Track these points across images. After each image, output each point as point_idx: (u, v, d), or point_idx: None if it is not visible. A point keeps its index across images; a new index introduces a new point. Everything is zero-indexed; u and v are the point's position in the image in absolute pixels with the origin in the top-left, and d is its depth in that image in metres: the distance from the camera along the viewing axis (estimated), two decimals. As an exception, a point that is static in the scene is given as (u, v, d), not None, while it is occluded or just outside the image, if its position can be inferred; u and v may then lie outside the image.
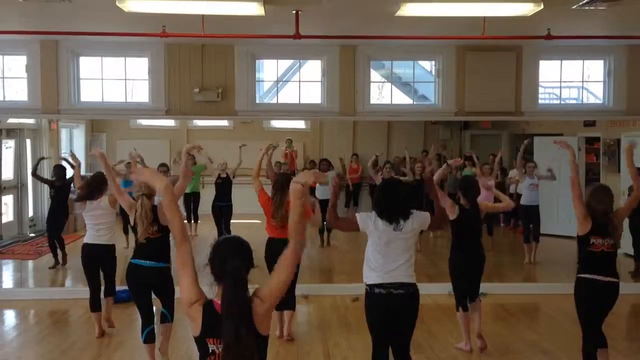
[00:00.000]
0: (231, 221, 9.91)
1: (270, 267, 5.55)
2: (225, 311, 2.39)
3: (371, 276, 4.01)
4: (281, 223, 5.57)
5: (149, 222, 4.90)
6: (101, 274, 6.17)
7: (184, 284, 2.52)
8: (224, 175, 9.87)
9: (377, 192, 4.17)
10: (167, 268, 5.05)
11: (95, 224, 5.99)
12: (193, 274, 2.52)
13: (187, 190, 10.09)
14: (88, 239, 6.05)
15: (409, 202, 4.10)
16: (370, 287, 4.00)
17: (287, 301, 5.71)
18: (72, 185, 8.92)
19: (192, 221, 10.87)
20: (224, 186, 9.83)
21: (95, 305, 6.07)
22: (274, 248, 5.60)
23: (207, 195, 10.37)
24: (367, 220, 4.04)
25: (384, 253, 3.98)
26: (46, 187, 10.87)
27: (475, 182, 5.80)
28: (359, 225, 4.05)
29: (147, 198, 4.92)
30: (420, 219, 4.09)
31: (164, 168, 9.46)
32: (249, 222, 9.92)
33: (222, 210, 9.81)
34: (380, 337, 4.07)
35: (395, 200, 4.02)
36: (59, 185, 8.80)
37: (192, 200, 10.61)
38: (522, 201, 9.37)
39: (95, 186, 6.00)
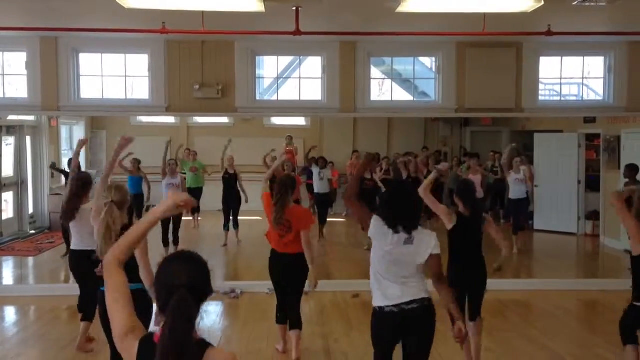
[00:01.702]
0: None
1: (277, 284, 5.31)
2: (160, 352, 1.90)
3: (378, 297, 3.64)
4: (282, 233, 5.09)
5: (115, 239, 3.81)
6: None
7: (115, 311, 2.06)
8: (231, 171, 10.13)
9: (386, 198, 3.78)
10: (143, 290, 3.97)
11: (78, 230, 5.48)
12: (126, 299, 2.08)
13: (192, 185, 10.34)
14: (73, 244, 5.61)
15: (420, 209, 3.74)
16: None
17: (292, 319, 5.35)
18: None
19: (195, 213, 11.03)
20: (230, 181, 10.12)
21: (84, 314, 5.52)
22: (278, 262, 5.22)
23: (212, 191, 10.50)
24: (380, 227, 3.63)
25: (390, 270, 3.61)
26: (46, 184, 10.89)
27: (472, 186, 5.15)
28: (370, 225, 3.64)
29: (117, 208, 3.99)
30: (427, 242, 3.60)
31: (172, 160, 9.67)
32: (250, 219, 10.02)
33: (230, 204, 10.11)
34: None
35: (406, 208, 3.62)
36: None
37: (194, 194, 10.72)
38: (510, 195, 9.90)
39: (76, 192, 5.42)
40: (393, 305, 3.55)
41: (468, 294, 4.93)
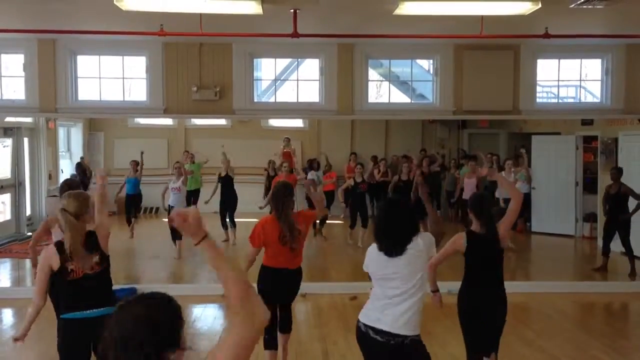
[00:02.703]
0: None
1: (276, 301, 4.72)
2: None
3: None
4: (294, 246, 4.68)
5: (82, 250, 3.61)
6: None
7: None
8: (223, 174, 10.39)
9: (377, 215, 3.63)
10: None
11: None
12: None
13: (189, 188, 10.52)
14: None
15: (410, 225, 3.46)
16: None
17: (286, 321, 4.98)
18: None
19: None
20: (226, 181, 10.38)
21: None
22: (286, 280, 4.80)
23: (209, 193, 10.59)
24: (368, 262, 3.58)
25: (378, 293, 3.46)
26: (44, 187, 10.89)
27: (489, 199, 4.78)
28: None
29: (72, 216, 3.62)
30: (426, 242, 3.44)
31: (178, 164, 9.93)
32: (247, 221, 10.02)
33: (226, 203, 10.37)
34: None
35: (393, 227, 3.45)
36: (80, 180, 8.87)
37: (192, 196, 10.89)
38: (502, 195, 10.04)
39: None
40: (381, 332, 3.37)
41: (484, 322, 4.37)
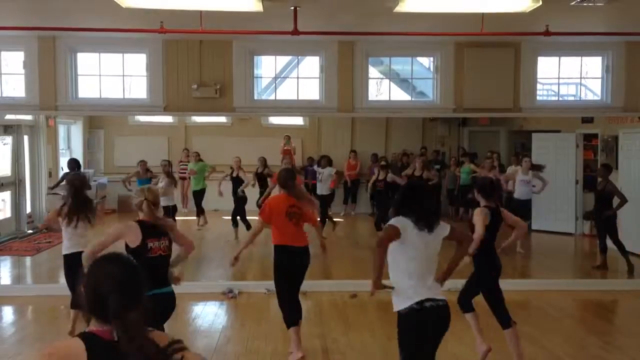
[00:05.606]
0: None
1: (290, 280, 5.27)
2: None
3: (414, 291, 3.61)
4: (295, 221, 5.22)
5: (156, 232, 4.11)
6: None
7: None
8: (235, 175, 10.37)
9: (407, 195, 3.77)
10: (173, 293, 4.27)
11: (73, 233, 5.67)
12: None
13: (194, 188, 10.50)
14: (68, 248, 5.71)
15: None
16: (419, 302, 3.56)
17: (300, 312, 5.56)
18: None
19: (199, 215, 11.13)
20: (236, 180, 10.38)
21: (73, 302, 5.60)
22: (295, 256, 5.27)
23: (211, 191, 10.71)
24: (406, 226, 3.63)
25: (422, 262, 3.64)
26: (44, 184, 10.88)
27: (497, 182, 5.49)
28: (399, 231, 3.59)
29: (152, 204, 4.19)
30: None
31: (165, 161, 9.88)
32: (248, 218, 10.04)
33: (238, 200, 10.35)
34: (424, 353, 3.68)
35: (432, 204, 3.74)
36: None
37: (197, 196, 10.88)
38: (515, 195, 9.90)
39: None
40: (432, 300, 3.55)
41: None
